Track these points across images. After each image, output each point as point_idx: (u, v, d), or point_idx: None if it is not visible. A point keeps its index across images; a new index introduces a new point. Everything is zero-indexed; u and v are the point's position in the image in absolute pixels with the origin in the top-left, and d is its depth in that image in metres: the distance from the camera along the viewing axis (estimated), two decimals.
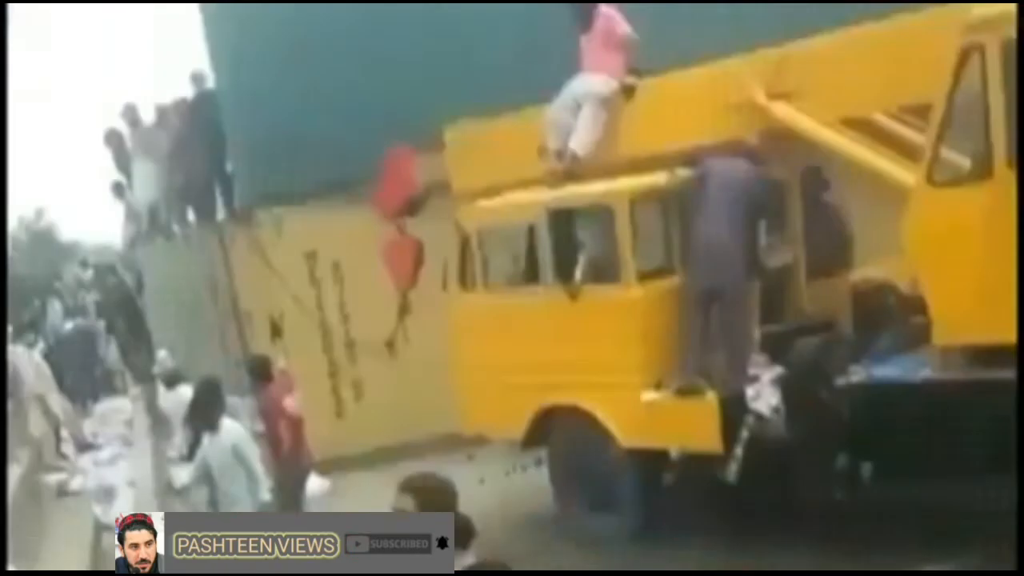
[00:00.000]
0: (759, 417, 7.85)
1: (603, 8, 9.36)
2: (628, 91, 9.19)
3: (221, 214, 14.47)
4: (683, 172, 8.52)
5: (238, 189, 13.86)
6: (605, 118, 9.21)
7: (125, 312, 19.29)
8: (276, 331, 12.85)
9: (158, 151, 15.68)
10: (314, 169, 12.22)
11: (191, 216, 15.47)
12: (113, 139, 16.90)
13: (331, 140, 12.18)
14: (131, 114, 16.43)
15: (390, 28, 12.50)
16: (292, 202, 12.56)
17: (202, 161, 14.13)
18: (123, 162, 16.91)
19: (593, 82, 9.28)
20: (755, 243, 8.39)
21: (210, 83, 13.92)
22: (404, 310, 11.79)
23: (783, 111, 8.13)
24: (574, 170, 9.16)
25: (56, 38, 64.21)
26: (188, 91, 14.55)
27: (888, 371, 7.72)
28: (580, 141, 9.19)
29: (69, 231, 42.73)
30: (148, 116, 16.18)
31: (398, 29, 12.51)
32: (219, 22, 13.35)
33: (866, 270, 8.96)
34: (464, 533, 3.82)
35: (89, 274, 24.77)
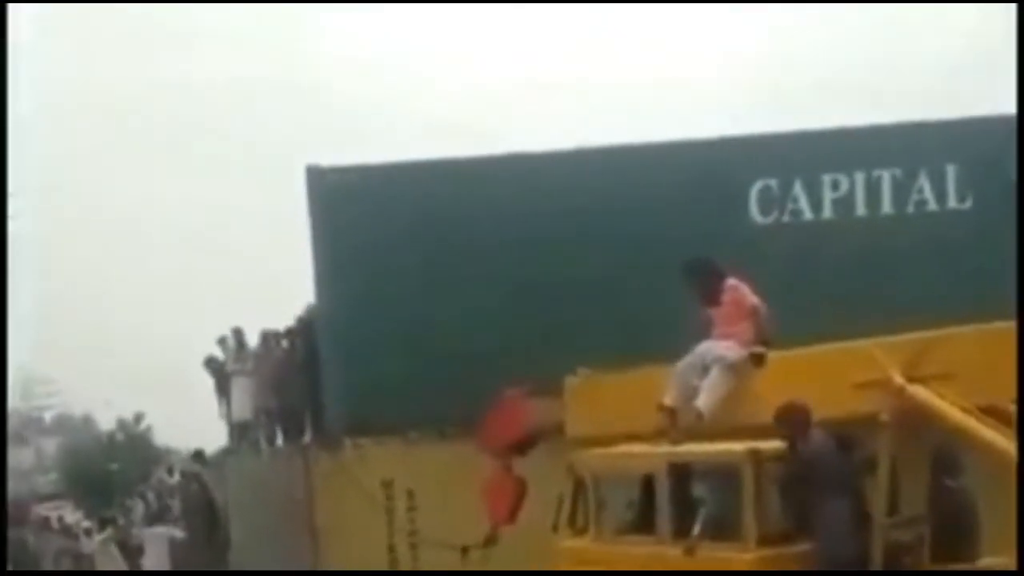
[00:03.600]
0: None
1: (730, 280, 9.92)
2: (757, 359, 9.64)
3: (308, 437, 15.42)
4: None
5: (328, 416, 14.79)
6: (733, 383, 9.65)
7: (204, 520, 20.09)
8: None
9: (258, 373, 16.83)
10: (404, 404, 13.11)
11: (280, 437, 16.47)
12: (212, 364, 18.10)
13: (421, 379, 13.13)
14: (238, 336, 17.68)
15: (503, 274, 13.47)
16: (377, 433, 13.44)
17: (298, 388, 15.22)
18: (223, 383, 18.05)
19: (723, 348, 9.75)
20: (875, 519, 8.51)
21: (314, 315, 15.12)
22: (491, 541, 11.76)
23: (922, 394, 8.41)
24: (695, 429, 9.44)
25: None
26: (292, 320, 15.80)
27: None
28: (706, 402, 9.56)
29: (164, 437, 44.03)
30: (253, 339, 17.44)
31: (513, 276, 13.45)
32: (326, 251, 14.30)
33: (997, 560, 8.58)
34: None
35: (175, 479, 25.78)
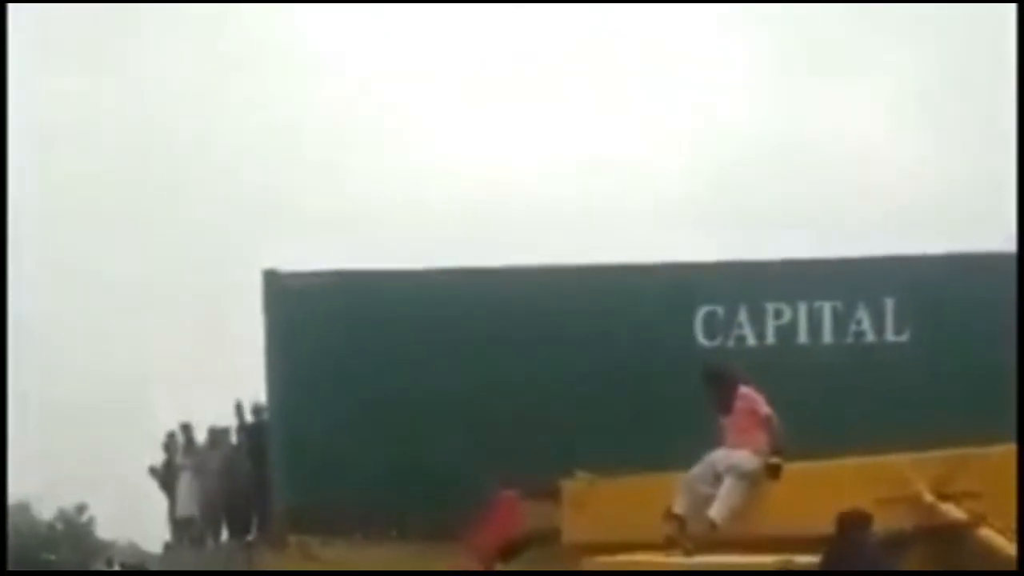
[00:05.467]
0: None
1: (743, 388, 9.92)
2: (773, 471, 9.53)
3: (253, 534, 15.53)
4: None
5: (274, 513, 14.90)
6: (747, 493, 9.54)
7: None
8: None
9: (205, 469, 16.95)
10: (352, 504, 13.36)
11: (224, 533, 16.54)
12: (170, 447, 18.17)
13: (370, 480, 13.35)
14: (187, 431, 17.81)
15: (450, 379, 13.69)
16: (323, 532, 13.60)
17: (245, 484, 15.38)
18: (169, 478, 18.10)
19: (736, 457, 9.65)
20: None
21: (265, 415, 15.36)
22: None
23: (951, 511, 8.41)
24: (707, 539, 9.32)
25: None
26: (244, 417, 16.01)
27: None
28: (720, 511, 9.42)
29: (106, 531, 43.45)
30: (201, 435, 17.58)
31: (458, 382, 13.67)
32: (279, 352, 14.54)
33: None
34: None
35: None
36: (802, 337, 14.09)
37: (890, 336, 14.13)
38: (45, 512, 47.36)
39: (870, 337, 14.14)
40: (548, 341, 13.70)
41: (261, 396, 15.43)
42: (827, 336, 14.10)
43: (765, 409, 9.79)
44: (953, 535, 8.47)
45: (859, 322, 14.14)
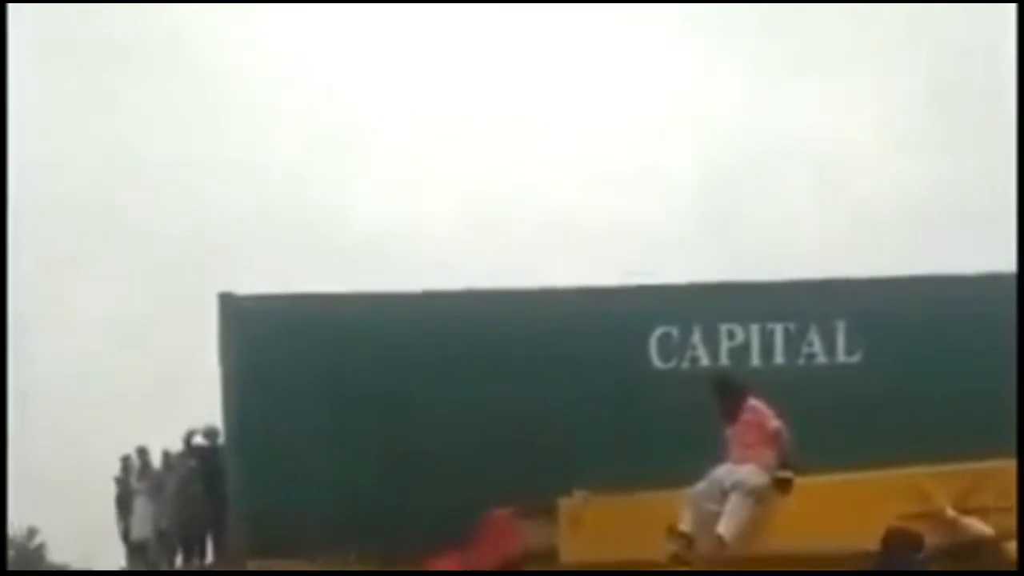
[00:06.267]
0: None
1: (751, 400, 9.75)
2: (783, 485, 9.32)
3: (210, 558, 15.45)
4: None
5: (231, 537, 14.83)
6: (756, 509, 9.31)
7: None
8: None
9: (161, 492, 16.87)
10: (309, 527, 13.24)
11: (180, 558, 16.45)
12: (128, 467, 18.06)
13: (327, 502, 13.35)
14: (143, 455, 17.71)
15: (403, 401, 13.75)
16: (281, 556, 13.50)
17: (201, 508, 15.31)
18: (124, 501, 18.01)
19: (743, 472, 9.40)
20: None
21: (220, 439, 15.31)
22: None
23: (975, 525, 8.29)
24: (716, 556, 9.17)
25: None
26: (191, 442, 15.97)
27: None
28: (729, 528, 9.17)
29: (59, 555, 42.89)
30: (157, 458, 17.48)
31: (412, 405, 13.73)
32: (235, 374, 14.42)
33: None
34: None
35: None
36: (755, 359, 14.23)
37: (841, 357, 14.31)
38: None
39: (822, 359, 14.31)
40: (501, 364, 13.75)
41: (216, 419, 15.37)
42: (779, 357, 14.24)
43: (774, 423, 9.59)
44: (977, 550, 8.33)
45: (811, 344, 14.31)
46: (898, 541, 8.26)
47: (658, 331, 14.11)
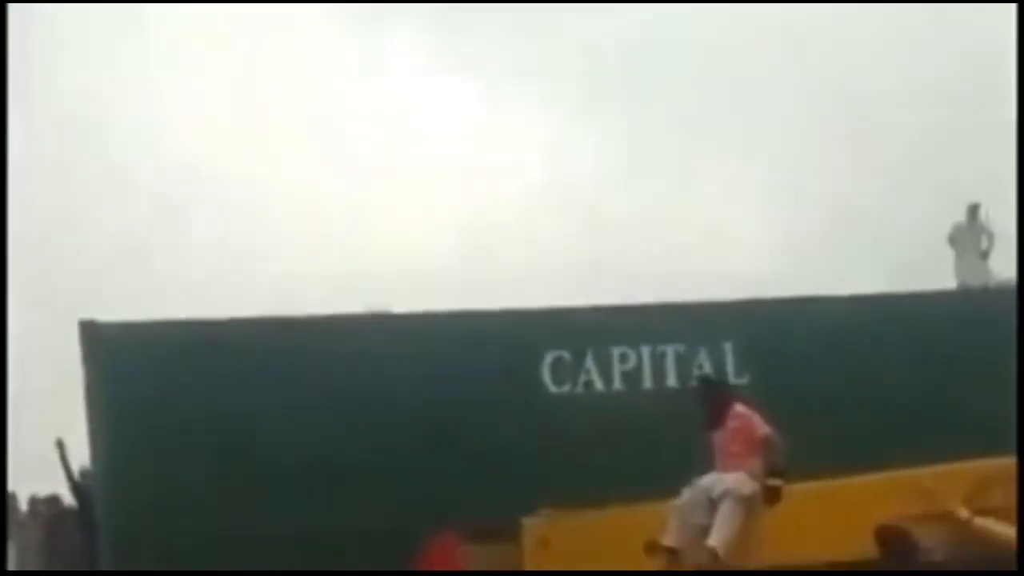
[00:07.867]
0: None
1: (739, 407, 9.39)
2: (771, 494, 8.95)
3: None
4: None
5: None
6: (745, 519, 8.94)
7: None
8: None
9: (26, 540, 15.91)
10: (186, 566, 12.55)
11: None
12: None
13: (202, 539, 12.60)
14: (12, 501, 16.73)
15: (277, 432, 13.17)
16: None
17: (70, 552, 14.46)
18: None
19: (731, 480, 9.05)
20: None
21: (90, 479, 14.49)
22: None
23: (991, 525, 8.06)
24: (707, 569, 8.82)
25: None
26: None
27: None
28: (722, 540, 8.83)
29: None
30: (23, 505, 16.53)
31: (288, 436, 13.16)
32: (101, 408, 13.70)
33: None
34: None
35: None
36: (647, 382, 14.06)
37: (731, 379, 14.26)
38: None
39: None
40: (391, 389, 13.31)
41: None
42: (671, 380, 14.11)
43: (763, 429, 9.25)
44: (991, 549, 8.08)
45: (700, 366, 14.22)
46: (891, 539, 8.08)
47: (550, 355, 13.86)
